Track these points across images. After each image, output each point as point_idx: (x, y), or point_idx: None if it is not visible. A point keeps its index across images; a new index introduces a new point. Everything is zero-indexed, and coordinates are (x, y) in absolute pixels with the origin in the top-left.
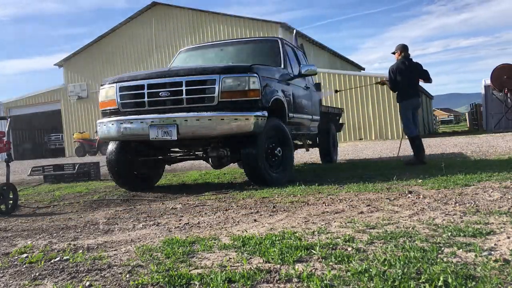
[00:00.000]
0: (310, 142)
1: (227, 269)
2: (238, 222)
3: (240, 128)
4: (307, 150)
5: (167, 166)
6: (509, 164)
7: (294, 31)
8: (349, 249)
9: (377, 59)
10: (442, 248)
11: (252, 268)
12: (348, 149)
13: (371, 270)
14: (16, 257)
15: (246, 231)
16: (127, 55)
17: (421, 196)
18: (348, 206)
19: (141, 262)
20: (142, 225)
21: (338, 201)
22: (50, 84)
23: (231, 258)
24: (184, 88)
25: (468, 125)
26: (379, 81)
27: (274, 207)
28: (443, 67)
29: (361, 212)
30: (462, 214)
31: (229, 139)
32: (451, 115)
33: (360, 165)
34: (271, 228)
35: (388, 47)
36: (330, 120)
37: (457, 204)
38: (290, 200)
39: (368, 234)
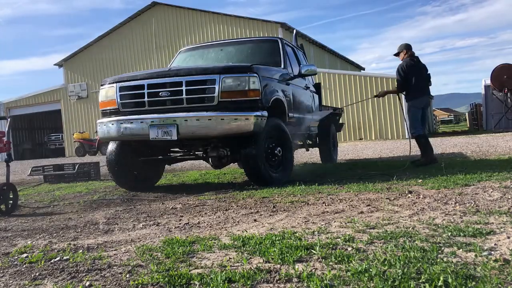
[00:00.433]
0: (310, 142)
1: (227, 269)
2: (238, 222)
3: (240, 128)
4: (307, 150)
5: (167, 166)
6: (509, 164)
7: (294, 31)
8: (349, 249)
9: (374, 60)
10: (442, 248)
11: (252, 268)
12: (348, 149)
13: (371, 270)
14: (16, 257)
15: (246, 231)
16: (127, 55)
17: (421, 196)
18: (348, 206)
19: (141, 262)
20: (142, 225)
21: (338, 201)
22: (45, 85)
23: (231, 258)
24: (184, 88)
25: (468, 125)
26: (378, 94)
27: (274, 207)
28: (441, 67)
29: (361, 212)
30: (462, 214)
31: (229, 139)
32: (451, 115)
33: (360, 165)
34: (271, 228)
35: (384, 47)
36: (330, 120)
37: (457, 204)
38: (290, 200)
39: (368, 234)
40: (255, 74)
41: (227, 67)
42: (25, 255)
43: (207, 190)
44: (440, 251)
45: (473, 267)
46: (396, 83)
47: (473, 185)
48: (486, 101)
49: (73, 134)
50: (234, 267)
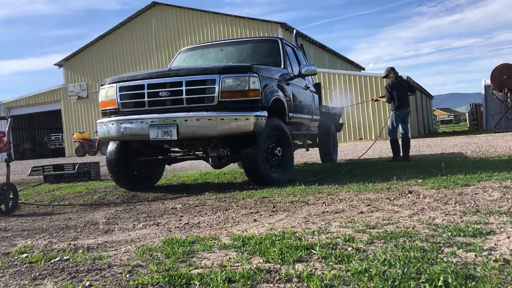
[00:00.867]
0: (310, 142)
1: (227, 269)
2: (238, 222)
3: (240, 128)
4: (307, 150)
5: (167, 166)
6: (509, 164)
7: (294, 31)
8: (349, 249)
9: (371, 60)
10: (442, 248)
11: (252, 268)
12: (348, 149)
13: (371, 270)
14: (16, 257)
15: (246, 231)
16: (127, 55)
17: (421, 196)
18: (348, 206)
19: (141, 262)
20: (142, 225)
21: (338, 201)
22: (44, 85)
23: (231, 258)
24: (184, 88)
25: (468, 125)
26: (373, 98)
27: (274, 207)
28: (439, 68)
29: (361, 212)
30: (462, 214)
31: (229, 139)
32: (451, 115)
33: (360, 165)
34: (271, 228)
35: (381, 47)
36: (330, 120)
37: (457, 204)
38: (290, 200)
39: (368, 234)
40: (255, 74)
41: (227, 67)
42: (25, 255)
43: (207, 190)
44: (440, 251)
45: (473, 267)
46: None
47: (473, 185)
48: (486, 101)
49: (73, 134)
50: (234, 267)
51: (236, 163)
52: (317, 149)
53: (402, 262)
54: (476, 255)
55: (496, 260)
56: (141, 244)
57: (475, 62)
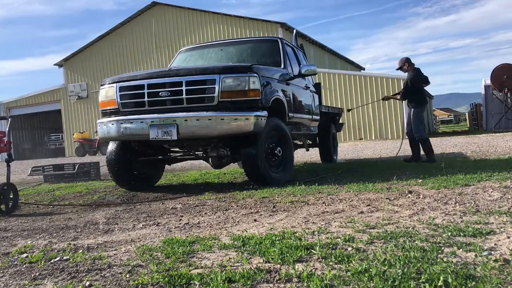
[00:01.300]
0: (310, 142)
1: (227, 269)
2: (238, 222)
3: (240, 128)
4: (307, 150)
5: (167, 166)
6: (509, 164)
7: (294, 31)
8: (349, 249)
9: (368, 60)
10: (442, 248)
11: (252, 268)
12: (348, 149)
13: (371, 270)
14: (16, 257)
15: (246, 231)
16: (127, 55)
17: (421, 196)
18: (348, 206)
19: (141, 262)
20: (142, 225)
21: (338, 201)
22: (43, 85)
23: (231, 258)
24: (184, 88)
25: (468, 125)
26: (384, 97)
27: (274, 207)
28: (437, 68)
29: (361, 212)
30: (462, 214)
31: (229, 139)
32: (451, 115)
33: (360, 165)
34: (271, 228)
35: (378, 48)
36: (330, 120)
37: (457, 204)
38: (290, 200)
39: (368, 234)
40: (255, 74)
41: (227, 67)
42: (25, 255)
43: (207, 190)
44: (440, 251)
45: (473, 267)
46: (402, 90)
47: (473, 185)
48: (486, 101)
49: (73, 134)
50: (234, 267)
51: (236, 163)
52: (317, 149)
53: (402, 262)
54: (476, 255)
55: (496, 260)
56: (141, 244)
57: (473, 62)
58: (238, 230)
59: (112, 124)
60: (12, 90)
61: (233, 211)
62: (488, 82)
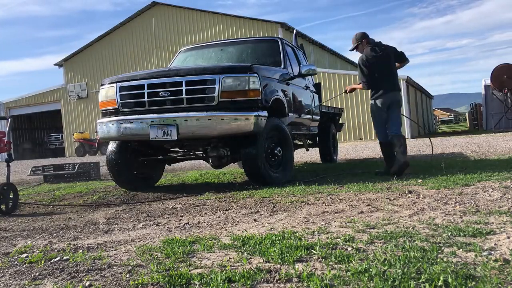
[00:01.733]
0: (310, 142)
1: (227, 269)
2: (238, 222)
3: (240, 128)
4: (307, 150)
5: (167, 166)
6: (509, 164)
7: (294, 31)
8: (349, 249)
9: None
10: (442, 248)
11: (252, 268)
12: (348, 149)
13: (371, 270)
14: (16, 257)
15: (246, 231)
16: (127, 55)
17: (421, 196)
18: (348, 206)
19: (141, 262)
20: (142, 225)
21: (338, 201)
22: (42, 86)
23: (231, 258)
24: (184, 88)
25: (468, 125)
26: (347, 89)
27: (274, 207)
28: (435, 68)
29: (361, 212)
30: (462, 214)
31: (229, 139)
32: (451, 115)
33: (360, 165)
34: (271, 228)
35: None
36: (330, 120)
37: (457, 204)
38: (290, 200)
39: (368, 234)
40: (255, 74)
41: (227, 67)
42: (25, 255)
43: (207, 190)
44: (440, 251)
45: (473, 267)
46: (358, 80)
47: (473, 185)
48: (486, 101)
49: (73, 134)
50: (234, 267)
51: (236, 163)
52: (317, 149)
53: (402, 262)
54: (476, 255)
55: (496, 260)
56: (141, 244)
57: (471, 62)
58: (238, 230)
59: (112, 124)
60: (11, 90)
61: (233, 211)
62: (488, 82)
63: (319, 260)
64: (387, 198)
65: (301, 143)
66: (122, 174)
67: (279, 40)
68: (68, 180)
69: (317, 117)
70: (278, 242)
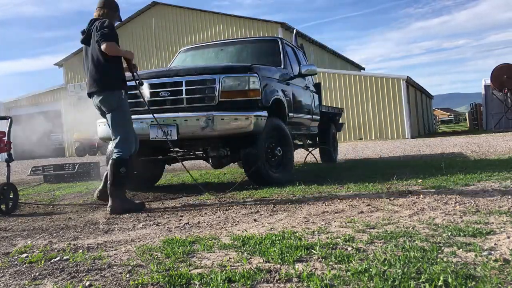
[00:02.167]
0: (310, 142)
1: (227, 268)
2: (238, 221)
3: (240, 128)
4: (307, 150)
5: (167, 166)
6: (509, 164)
7: (294, 31)
8: (349, 249)
9: (362, 61)
10: (442, 248)
11: (252, 267)
12: (348, 149)
13: (371, 270)
14: (16, 257)
15: (246, 231)
16: None
17: (421, 196)
18: (348, 206)
19: (141, 261)
20: (142, 225)
21: (338, 201)
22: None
23: (231, 258)
24: (184, 88)
25: (468, 125)
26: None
27: (274, 207)
28: (433, 68)
29: (361, 212)
30: (462, 214)
31: (229, 139)
32: (451, 115)
33: (360, 165)
34: (271, 228)
35: (371, 49)
36: (330, 120)
37: (457, 204)
38: (290, 200)
39: (368, 234)
40: (255, 74)
41: (227, 67)
42: (25, 255)
43: (207, 190)
44: (440, 251)
45: (473, 267)
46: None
47: (473, 185)
48: (486, 101)
49: (73, 134)
50: (234, 267)
51: (236, 163)
52: (317, 149)
53: (402, 262)
54: (476, 255)
55: (496, 260)
56: (141, 244)
57: (469, 62)
58: (238, 230)
59: None
60: (9, 91)
61: (233, 211)
62: (488, 82)
63: (319, 260)
64: (387, 198)
65: (301, 143)
66: None
67: (279, 40)
68: (68, 180)
69: (317, 117)
70: (278, 242)
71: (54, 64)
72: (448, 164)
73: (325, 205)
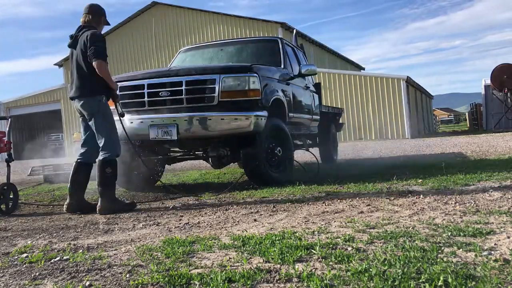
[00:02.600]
0: (310, 142)
1: (227, 268)
2: (238, 221)
3: (240, 128)
4: (307, 150)
5: (167, 166)
6: (509, 164)
7: (294, 31)
8: (349, 248)
9: (359, 61)
10: (442, 248)
11: (252, 267)
12: (348, 149)
13: (371, 270)
14: (16, 257)
15: (246, 231)
16: (127, 55)
17: (421, 196)
18: (348, 206)
19: (141, 262)
20: (142, 225)
21: (338, 201)
22: (38, 86)
23: (231, 258)
24: (184, 88)
25: (468, 125)
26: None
27: (274, 207)
28: (431, 69)
29: (361, 212)
30: (462, 214)
31: (229, 139)
32: (451, 115)
33: (360, 165)
34: (271, 228)
35: (368, 49)
36: (330, 120)
37: (457, 204)
38: (290, 200)
39: (368, 234)
40: (255, 74)
41: (227, 67)
42: (25, 255)
43: (207, 190)
44: (440, 251)
45: (473, 267)
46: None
47: (473, 185)
48: (486, 101)
49: (73, 134)
50: (234, 267)
51: (236, 163)
52: (317, 149)
53: (402, 262)
54: (476, 255)
55: (496, 260)
56: (141, 244)
57: (467, 62)
58: (238, 230)
59: None
60: (7, 91)
61: (233, 211)
62: (488, 82)
63: (319, 260)
64: (387, 198)
65: (301, 143)
66: (122, 174)
67: (279, 40)
68: (68, 180)
69: (317, 117)
70: (278, 242)
71: (54, 64)
72: (448, 164)
73: (325, 205)
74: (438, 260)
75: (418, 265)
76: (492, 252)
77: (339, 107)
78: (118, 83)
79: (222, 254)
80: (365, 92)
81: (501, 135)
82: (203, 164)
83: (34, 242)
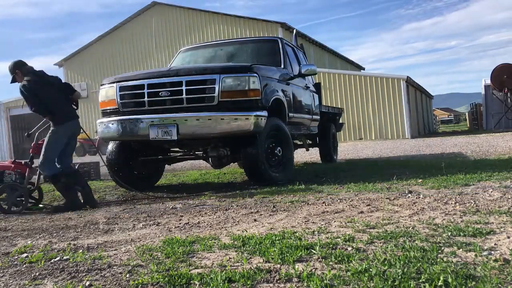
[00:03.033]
0: (310, 142)
1: (227, 268)
2: (238, 221)
3: (240, 128)
4: (307, 150)
5: (167, 166)
6: (509, 164)
7: (294, 31)
8: (349, 248)
9: (357, 61)
10: (442, 248)
11: (252, 267)
12: (348, 149)
13: (371, 269)
14: (16, 257)
15: (246, 231)
16: (127, 55)
17: (421, 196)
18: (348, 206)
19: (141, 261)
20: (142, 225)
21: (338, 201)
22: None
23: (231, 258)
24: (184, 88)
25: (468, 125)
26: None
27: (274, 207)
28: (429, 69)
29: (361, 212)
30: (462, 214)
31: (229, 139)
32: (451, 115)
33: (360, 165)
34: (271, 228)
35: (365, 49)
36: (330, 120)
37: (457, 204)
38: (290, 200)
39: (368, 233)
40: (255, 74)
41: (227, 67)
42: (25, 255)
43: (207, 190)
44: (440, 251)
45: (473, 267)
46: (35, 109)
47: (473, 185)
48: (486, 101)
49: None
50: (234, 267)
51: (236, 163)
52: (317, 149)
53: (402, 262)
54: (476, 255)
55: (496, 260)
56: (141, 244)
57: (465, 63)
58: (238, 230)
59: (112, 124)
60: (7, 91)
61: (233, 211)
62: (488, 82)
63: (319, 260)
64: (387, 198)
65: (301, 143)
66: (122, 174)
67: (279, 40)
68: None
69: (317, 117)
70: (278, 242)
71: (54, 64)
72: (448, 164)
73: (325, 205)
74: (438, 260)
75: (418, 265)
76: (492, 252)
77: (339, 107)
78: (118, 83)
79: (222, 254)
80: (365, 92)
81: (501, 135)
82: (203, 164)
83: (34, 242)
